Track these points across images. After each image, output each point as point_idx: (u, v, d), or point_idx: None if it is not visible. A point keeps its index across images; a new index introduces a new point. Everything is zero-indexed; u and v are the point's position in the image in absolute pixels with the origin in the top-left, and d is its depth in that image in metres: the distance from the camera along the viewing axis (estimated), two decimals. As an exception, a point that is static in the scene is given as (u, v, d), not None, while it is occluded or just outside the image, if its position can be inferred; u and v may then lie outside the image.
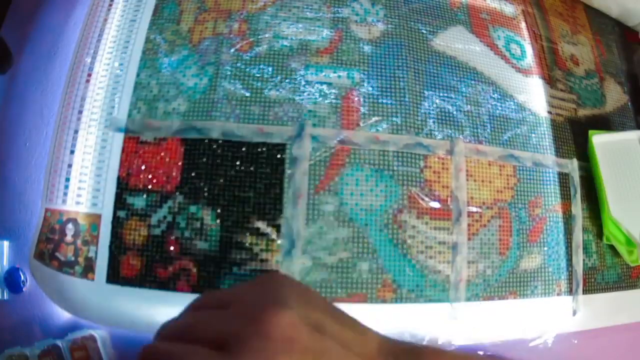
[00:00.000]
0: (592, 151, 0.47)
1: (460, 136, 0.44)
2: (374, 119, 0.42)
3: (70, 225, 0.39)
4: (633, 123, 0.54)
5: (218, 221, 0.38)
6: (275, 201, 0.39)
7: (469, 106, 0.45)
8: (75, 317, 0.39)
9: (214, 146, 0.40)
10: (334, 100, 0.42)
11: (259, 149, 0.40)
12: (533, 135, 0.47)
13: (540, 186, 0.46)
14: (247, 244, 0.38)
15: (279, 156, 0.40)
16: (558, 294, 0.44)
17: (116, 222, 0.39)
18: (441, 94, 0.45)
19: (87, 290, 0.38)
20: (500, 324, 0.43)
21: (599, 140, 0.47)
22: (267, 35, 0.43)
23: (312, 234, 0.39)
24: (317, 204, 0.39)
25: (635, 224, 0.44)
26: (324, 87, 0.42)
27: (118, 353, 0.38)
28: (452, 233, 0.42)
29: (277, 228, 0.39)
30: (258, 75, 0.42)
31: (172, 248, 0.38)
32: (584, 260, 0.46)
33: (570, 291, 0.45)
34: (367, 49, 0.44)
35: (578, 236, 0.46)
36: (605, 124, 0.52)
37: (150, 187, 0.39)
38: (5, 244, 0.41)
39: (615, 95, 0.55)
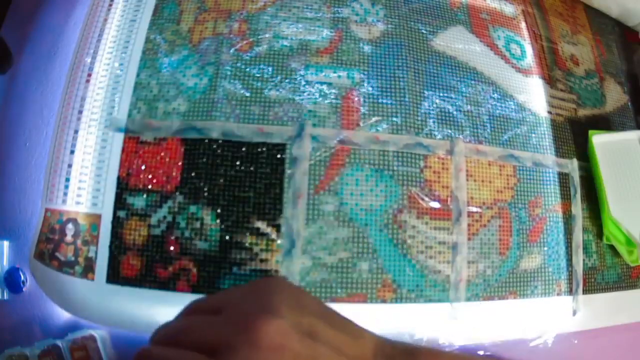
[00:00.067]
0: (592, 151, 0.47)
1: (460, 136, 0.44)
2: (374, 119, 0.42)
3: (70, 225, 0.39)
4: (633, 123, 0.54)
5: (218, 221, 0.38)
6: (275, 201, 0.39)
7: (469, 106, 0.45)
8: (75, 317, 0.39)
9: (214, 146, 0.40)
10: (334, 100, 0.42)
11: (259, 149, 0.40)
12: (533, 135, 0.47)
13: (540, 186, 0.46)
14: (247, 244, 0.38)
15: (279, 156, 0.40)
16: (558, 294, 0.44)
17: (116, 222, 0.39)
18: (441, 94, 0.45)
19: (87, 290, 0.38)
20: (500, 324, 0.43)
21: (599, 140, 0.47)
22: (267, 35, 0.43)
23: (312, 234, 0.39)
24: (317, 204, 0.39)
25: (635, 224, 0.44)
26: (324, 87, 0.42)
27: (118, 353, 0.38)
28: (452, 233, 0.42)
29: (277, 228, 0.39)
30: (258, 75, 0.42)
31: (172, 248, 0.38)
32: (584, 260, 0.46)
33: (570, 291, 0.45)
34: (367, 49, 0.44)
35: (578, 236, 0.46)
36: (605, 124, 0.52)
37: (150, 187, 0.39)
38: (5, 244, 0.41)
39: (615, 95, 0.55)
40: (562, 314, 0.45)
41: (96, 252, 0.38)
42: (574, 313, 0.45)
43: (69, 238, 0.39)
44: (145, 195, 0.39)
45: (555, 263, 0.45)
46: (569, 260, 0.45)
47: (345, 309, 0.25)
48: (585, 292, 0.45)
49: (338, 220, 0.39)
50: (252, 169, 0.39)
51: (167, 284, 0.38)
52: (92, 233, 0.39)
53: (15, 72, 0.45)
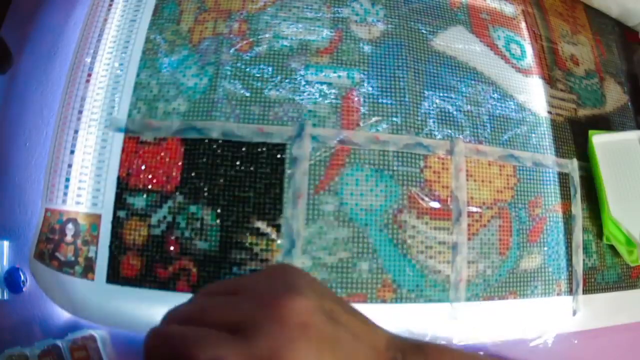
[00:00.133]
0: (592, 151, 0.47)
1: (460, 136, 0.44)
2: (374, 119, 0.42)
3: (70, 225, 0.39)
4: (633, 123, 0.54)
5: (218, 221, 0.38)
6: (275, 201, 0.39)
7: (469, 106, 0.45)
8: (75, 317, 0.39)
9: (214, 146, 0.40)
10: (334, 100, 0.42)
11: (259, 149, 0.40)
12: (533, 135, 0.47)
13: (540, 186, 0.46)
14: (247, 244, 0.38)
15: (279, 156, 0.40)
16: (558, 294, 0.44)
17: (116, 222, 0.39)
18: (441, 94, 0.45)
19: (87, 290, 0.38)
20: (500, 324, 0.43)
21: (599, 140, 0.47)
22: (267, 35, 0.43)
23: (312, 234, 0.39)
24: (317, 204, 0.39)
25: (635, 224, 0.44)
26: (324, 87, 0.42)
27: (118, 353, 0.38)
28: (452, 233, 0.42)
29: (277, 228, 0.39)
30: (258, 75, 0.42)
31: (172, 248, 0.38)
32: (584, 260, 0.46)
33: (570, 291, 0.45)
34: (367, 49, 0.44)
35: (578, 236, 0.46)
36: (605, 124, 0.52)
37: (150, 187, 0.39)
38: (5, 244, 0.41)
39: (615, 95, 0.55)
40: (562, 314, 0.45)
41: (96, 252, 0.38)
42: (574, 313, 0.45)
43: (69, 238, 0.39)
44: (145, 195, 0.39)
45: (555, 263, 0.45)
46: (569, 260, 0.45)
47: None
48: (585, 292, 0.45)
49: (338, 220, 0.39)
50: (252, 169, 0.39)
51: (167, 284, 0.38)
52: (92, 233, 0.39)
53: (15, 72, 0.45)
